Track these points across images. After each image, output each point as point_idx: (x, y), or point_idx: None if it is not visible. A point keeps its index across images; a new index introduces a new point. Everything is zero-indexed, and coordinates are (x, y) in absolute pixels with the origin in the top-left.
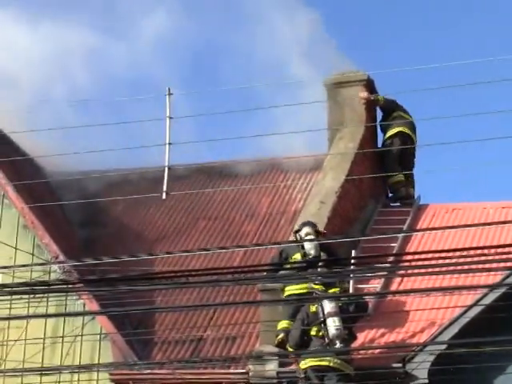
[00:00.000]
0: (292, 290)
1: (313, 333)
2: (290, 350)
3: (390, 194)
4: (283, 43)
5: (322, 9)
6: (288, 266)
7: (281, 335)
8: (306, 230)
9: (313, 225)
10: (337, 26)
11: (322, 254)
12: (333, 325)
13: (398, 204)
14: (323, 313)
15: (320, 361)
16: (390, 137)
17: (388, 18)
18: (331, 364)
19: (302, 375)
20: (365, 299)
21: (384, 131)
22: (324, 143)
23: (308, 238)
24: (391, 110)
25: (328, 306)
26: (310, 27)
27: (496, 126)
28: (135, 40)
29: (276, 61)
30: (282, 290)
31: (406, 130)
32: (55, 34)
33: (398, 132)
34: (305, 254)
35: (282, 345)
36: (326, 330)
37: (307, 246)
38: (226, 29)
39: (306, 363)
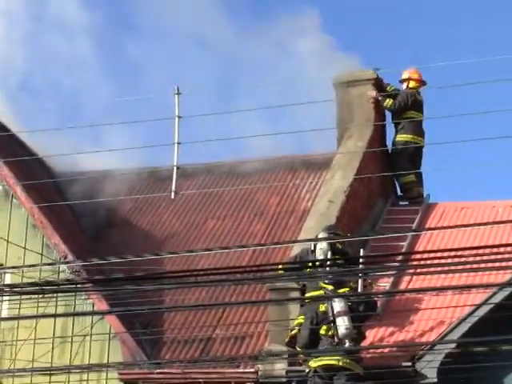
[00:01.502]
0: (310, 294)
1: (322, 332)
2: (299, 349)
3: (400, 194)
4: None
5: (323, 9)
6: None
7: (295, 330)
8: (320, 245)
9: (329, 232)
10: (338, 26)
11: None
12: (342, 324)
13: (407, 203)
14: (333, 312)
15: (329, 360)
16: (402, 142)
17: (388, 18)
18: (340, 363)
19: (312, 374)
20: (374, 298)
21: (395, 129)
22: (333, 142)
23: (319, 248)
24: (401, 110)
25: (338, 306)
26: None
27: (506, 125)
28: None
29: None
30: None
31: (416, 139)
32: None
33: (408, 141)
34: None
35: (293, 340)
36: (336, 329)
37: (318, 253)
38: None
39: (315, 362)
